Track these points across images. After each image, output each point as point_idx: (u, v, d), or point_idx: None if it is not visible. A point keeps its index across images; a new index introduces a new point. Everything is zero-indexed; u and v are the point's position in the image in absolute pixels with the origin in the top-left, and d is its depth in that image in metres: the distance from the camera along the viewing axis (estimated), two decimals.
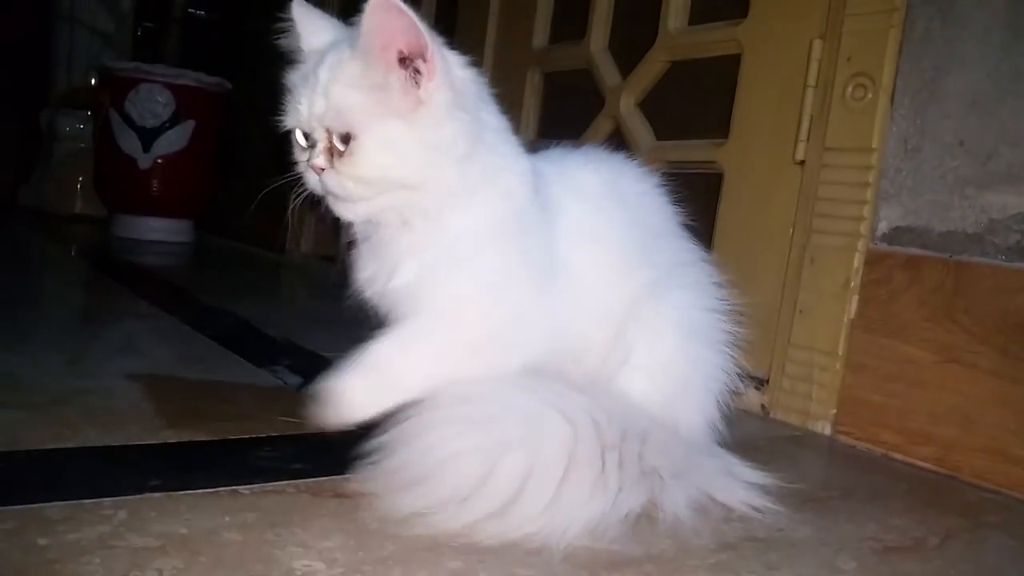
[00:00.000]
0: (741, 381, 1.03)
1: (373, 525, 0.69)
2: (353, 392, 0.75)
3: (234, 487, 0.73)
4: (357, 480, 0.75)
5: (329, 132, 0.74)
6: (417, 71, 0.72)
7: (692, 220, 1.11)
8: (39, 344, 1.25)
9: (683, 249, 1.00)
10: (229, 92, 3.10)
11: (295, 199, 0.80)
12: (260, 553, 0.61)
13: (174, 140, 2.91)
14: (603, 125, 1.70)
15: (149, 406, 0.94)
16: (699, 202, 1.49)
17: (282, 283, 2.51)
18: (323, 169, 0.75)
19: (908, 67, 1.16)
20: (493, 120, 0.81)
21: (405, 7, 0.69)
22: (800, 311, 1.26)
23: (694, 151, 1.51)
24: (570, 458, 0.74)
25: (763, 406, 1.30)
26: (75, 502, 0.66)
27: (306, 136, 0.77)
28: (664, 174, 1.56)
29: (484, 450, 0.71)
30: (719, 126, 1.44)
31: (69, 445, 0.79)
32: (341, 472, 0.78)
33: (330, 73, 0.73)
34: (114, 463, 0.76)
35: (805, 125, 1.28)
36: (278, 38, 0.83)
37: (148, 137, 2.89)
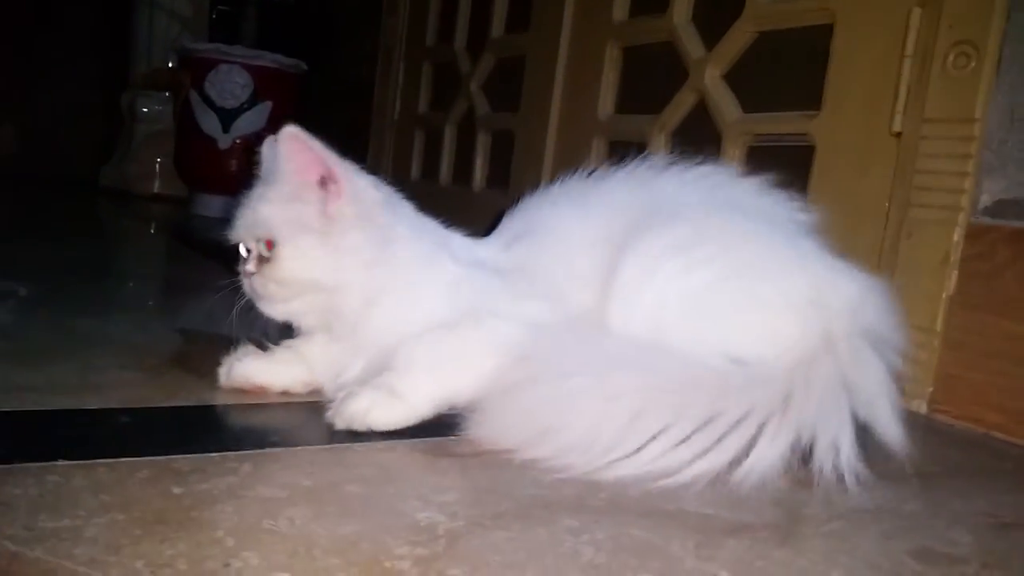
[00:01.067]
0: None
1: (485, 483, 0.70)
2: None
3: (348, 444, 0.75)
4: (470, 439, 0.77)
5: (257, 242, 0.84)
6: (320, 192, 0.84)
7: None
8: (141, 311, 1.29)
9: None
10: (305, 73, 3.14)
11: (239, 304, 0.88)
12: (383, 505, 0.63)
13: (252, 120, 2.97)
14: (686, 98, 1.68)
15: None
16: (790, 175, 1.46)
17: None
18: (252, 273, 0.84)
19: (1016, 33, 1.12)
20: (405, 230, 0.90)
21: (311, 141, 0.84)
22: (896, 287, 1.23)
23: (784, 123, 1.48)
24: (679, 405, 0.75)
25: None
26: (202, 455, 0.68)
27: (247, 250, 0.86)
28: (752, 148, 1.55)
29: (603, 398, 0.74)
30: (810, 98, 1.41)
31: (186, 403, 0.82)
32: (447, 434, 0.79)
33: (260, 191, 0.86)
34: (231, 420, 0.79)
35: (903, 96, 1.24)
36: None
37: (227, 118, 2.95)
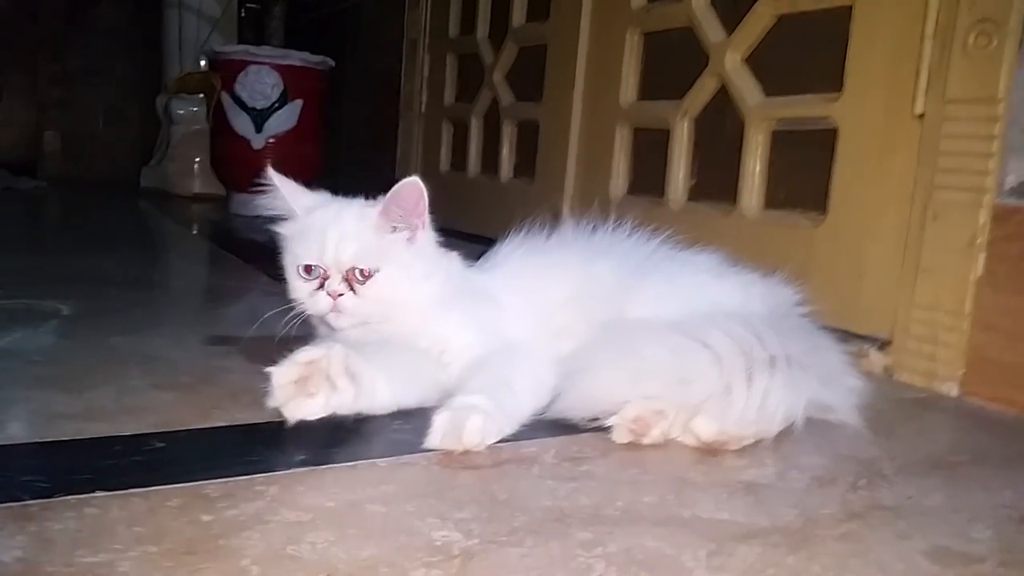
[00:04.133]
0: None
1: (503, 496, 0.72)
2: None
3: (372, 460, 0.78)
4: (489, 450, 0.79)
5: (351, 268, 0.94)
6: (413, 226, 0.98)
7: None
8: (177, 325, 1.34)
9: None
10: (332, 69, 3.18)
11: (289, 323, 0.96)
12: (402, 525, 0.65)
13: (284, 119, 3.01)
14: (707, 84, 1.67)
15: None
16: (813, 160, 1.45)
17: None
18: (341, 295, 0.93)
19: None
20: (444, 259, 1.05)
21: (425, 190, 0.96)
22: (923, 270, 1.22)
23: (806, 107, 1.46)
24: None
25: (886, 368, 1.27)
26: (231, 479, 0.71)
27: (308, 271, 0.95)
28: (775, 133, 1.54)
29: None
30: (832, 81, 1.40)
31: (219, 424, 0.85)
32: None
33: (357, 225, 0.96)
34: (261, 440, 0.82)
35: (924, 77, 1.22)
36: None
37: (259, 118, 3.00)
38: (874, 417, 0.99)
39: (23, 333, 1.16)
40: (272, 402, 0.81)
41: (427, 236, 1.00)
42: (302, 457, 0.77)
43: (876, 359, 1.28)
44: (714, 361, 0.88)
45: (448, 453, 0.80)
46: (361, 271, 0.94)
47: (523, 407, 0.89)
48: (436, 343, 0.97)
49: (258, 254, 2.07)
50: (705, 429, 0.88)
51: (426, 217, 0.99)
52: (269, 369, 0.81)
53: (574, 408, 0.90)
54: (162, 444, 0.79)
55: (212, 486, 0.70)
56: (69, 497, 0.65)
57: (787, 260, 1.35)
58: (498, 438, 0.83)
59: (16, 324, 1.21)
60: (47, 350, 1.10)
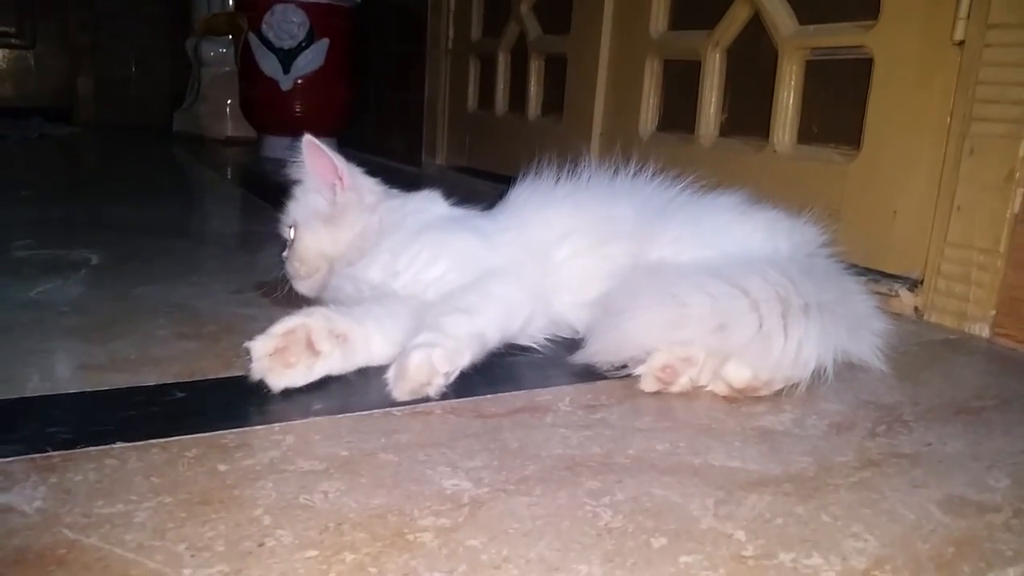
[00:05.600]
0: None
1: (514, 445, 0.73)
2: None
3: (387, 408, 0.79)
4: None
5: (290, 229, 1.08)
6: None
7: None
8: (206, 274, 1.35)
9: None
10: (359, 7, 3.13)
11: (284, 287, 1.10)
12: (413, 473, 0.66)
13: (311, 59, 2.99)
14: (739, 12, 1.61)
15: None
16: (848, 92, 1.40)
17: None
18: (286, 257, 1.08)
19: None
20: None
21: (324, 148, 1.06)
22: (958, 207, 1.18)
23: (841, 35, 1.41)
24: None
25: (916, 308, 1.24)
26: (249, 429, 0.73)
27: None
28: (809, 63, 1.49)
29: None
30: (868, 7, 1.34)
31: (239, 373, 0.86)
32: (484, 393, 0.83)
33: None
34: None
35: (964, 1, 1.17)
36: None
37: (287, 58, 2.98)
38: (900, 360, 0.98)
39: (53, 284, 1.19)
40: (253, 375, 0.80)
41: (352, 183, 1.07)
42: (319, 406, 0.79)
43: (907, 299, 1.26)
44: (752, 307, 0.86)
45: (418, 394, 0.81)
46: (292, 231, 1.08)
47: (487, 331, 0.88)
48: (408, 284, 0.97)
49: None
50: (737, 375, 0.87)
51: (343, 177, 1.06)
52: (247, 344, 0.81)
53: (605, 352, 0.89)
54: (183, 395, 0.81)
55: (230, 436, 0.71)
56: (90, 448, 0.67)
57: (819, 197, 1.32)
58: (455, 367, 0.82)
59: (46, 275, 1.24)
60: (75, 300, 1.12)
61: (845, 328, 0.92)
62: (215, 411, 0.77)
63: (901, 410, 0.87)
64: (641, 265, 0.97)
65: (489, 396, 0.83)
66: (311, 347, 0.82)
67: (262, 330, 0.82)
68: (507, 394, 0.84)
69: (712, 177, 1.11)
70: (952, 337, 1.16)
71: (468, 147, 2.62)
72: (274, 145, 3.06)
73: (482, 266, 0.97)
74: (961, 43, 1.18)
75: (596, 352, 0.90)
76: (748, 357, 0.86)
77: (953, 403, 0.90)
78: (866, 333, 0.95)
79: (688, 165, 1.12)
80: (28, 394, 0.79)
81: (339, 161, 1.07)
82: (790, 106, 1.52)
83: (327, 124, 3.10)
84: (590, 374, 0.90)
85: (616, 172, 1.13)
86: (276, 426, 0.74)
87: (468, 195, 1.17)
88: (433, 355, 0.81)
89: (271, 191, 2.32)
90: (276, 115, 3.08)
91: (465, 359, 0.84)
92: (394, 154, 3.01)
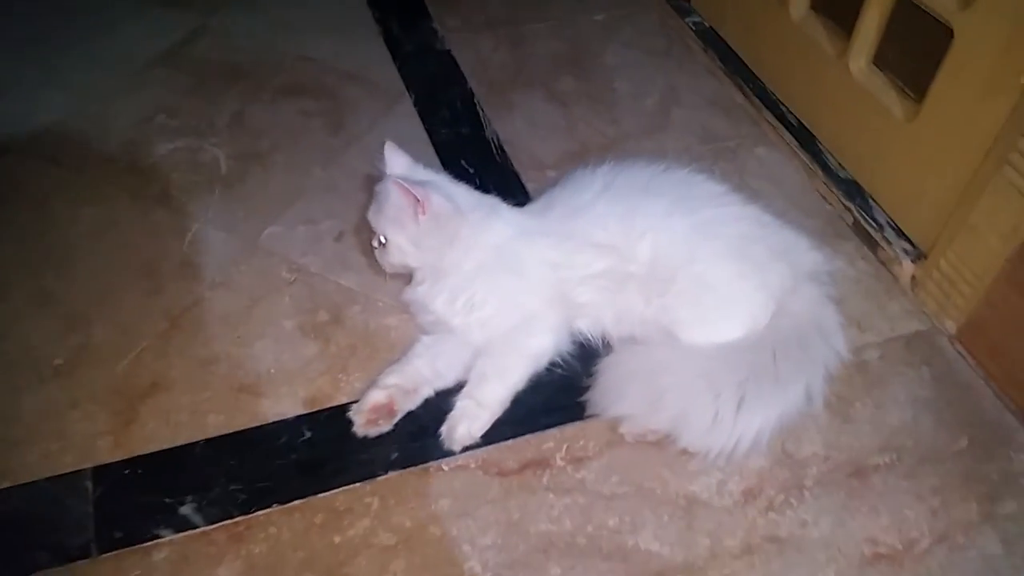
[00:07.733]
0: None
1: (516, 516, 1.11)
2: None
3: (439, 462, 1.17)
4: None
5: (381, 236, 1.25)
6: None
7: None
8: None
9: None
10: None
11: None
12: (446, 554, 1.07)
13: None
14: None
15: None
16: (926, 48, 1.36)
17: None
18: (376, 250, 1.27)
19: None
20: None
21: (408, 187, 1.16)
22: (969, 224, 1.27)
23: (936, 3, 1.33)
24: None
25: (913, 278, 1.41)
26: (350, 487, 1.14)
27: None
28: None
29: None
30: None
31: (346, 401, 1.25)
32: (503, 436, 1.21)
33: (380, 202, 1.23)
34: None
35: None
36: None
37: None
38: (849, 378, 1.25)
39: None
40: (357, 432, 1.19)
41: (435, 211, 1.19)
42: (395, 455, 1.18)
43: (907, 268, 1.42)
44: (714, 396, 1.14)
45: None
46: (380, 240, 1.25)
47: (517, 386, 1.21)
48: (461, 325, 1.24)
49: None
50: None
51: (424, 201, 1.18)
52: (350, 415, 1.20)
53: (595, 406, 1.21)
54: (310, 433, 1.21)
55: (340, 498, 1.13)
56: (259, 513, 1.11)
57: (872, 134, 1.41)
58: (485, 428, 1.18)
59: None
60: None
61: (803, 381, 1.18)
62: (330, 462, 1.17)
63: (808, 470, 1.16)
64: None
65: (509, 442, 1.19)
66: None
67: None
68: (522, 440, 1.20)
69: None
70: (922, 329, 1.36)
71: None
72: None
73: (522, 313, 1.24)
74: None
75: (590, 401, 1.22)
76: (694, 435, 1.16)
77: (854, 461, 1.17)
78: (818, 378, 1.20)
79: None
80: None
81: (418, 190, 1.17)
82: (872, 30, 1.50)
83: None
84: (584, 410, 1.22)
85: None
86: (367, 486, 1.14)
87: None
88: (473, 428, 1.18)
89: None
90: None
91: (496, 416, 1.20)
92: None
